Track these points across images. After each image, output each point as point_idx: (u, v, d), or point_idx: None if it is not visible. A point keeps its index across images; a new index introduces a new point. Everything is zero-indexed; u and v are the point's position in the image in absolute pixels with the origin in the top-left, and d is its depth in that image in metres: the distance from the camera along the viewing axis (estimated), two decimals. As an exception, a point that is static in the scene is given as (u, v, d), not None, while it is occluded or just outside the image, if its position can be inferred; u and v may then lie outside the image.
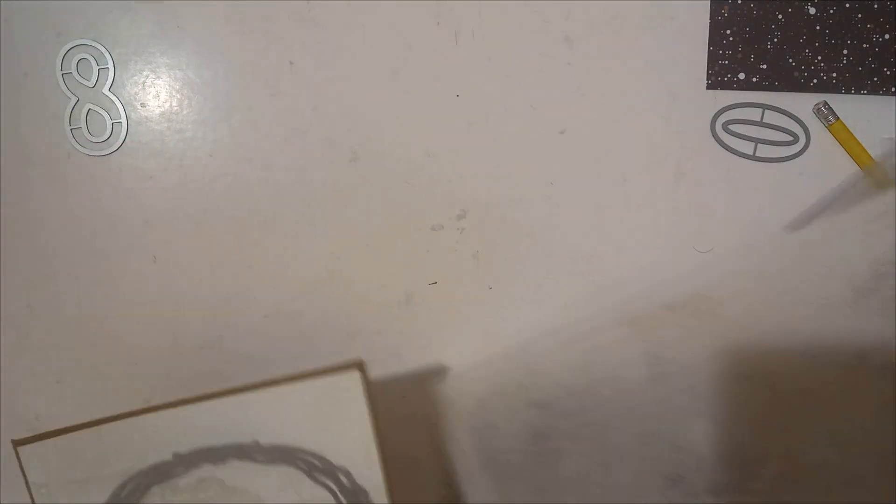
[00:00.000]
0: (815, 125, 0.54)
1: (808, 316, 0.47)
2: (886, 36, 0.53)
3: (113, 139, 0.53)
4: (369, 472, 0.40)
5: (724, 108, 0.54)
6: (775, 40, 0.53)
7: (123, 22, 0.53)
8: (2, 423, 0.53)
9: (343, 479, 0.41)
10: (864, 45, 0.53)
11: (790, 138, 0.54)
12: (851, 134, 0.53)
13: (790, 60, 0.53)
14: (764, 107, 0.54)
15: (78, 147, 0.52)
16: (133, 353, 0.55)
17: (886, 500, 0.55)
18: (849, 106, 0.53)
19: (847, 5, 0.52)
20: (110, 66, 0.53)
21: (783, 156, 0.54)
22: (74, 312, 0.55)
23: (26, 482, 0.40)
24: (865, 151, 0.53)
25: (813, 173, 0.54)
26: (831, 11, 0.52)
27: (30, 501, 0.44)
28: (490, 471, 0.51)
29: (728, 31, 0.53)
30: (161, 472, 0.40)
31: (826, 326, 0.48)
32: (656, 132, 0.54)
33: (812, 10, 0.53)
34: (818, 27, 0.53)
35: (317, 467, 0.40)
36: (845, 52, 0.53)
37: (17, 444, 0.40)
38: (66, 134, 0.52)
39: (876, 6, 0.52)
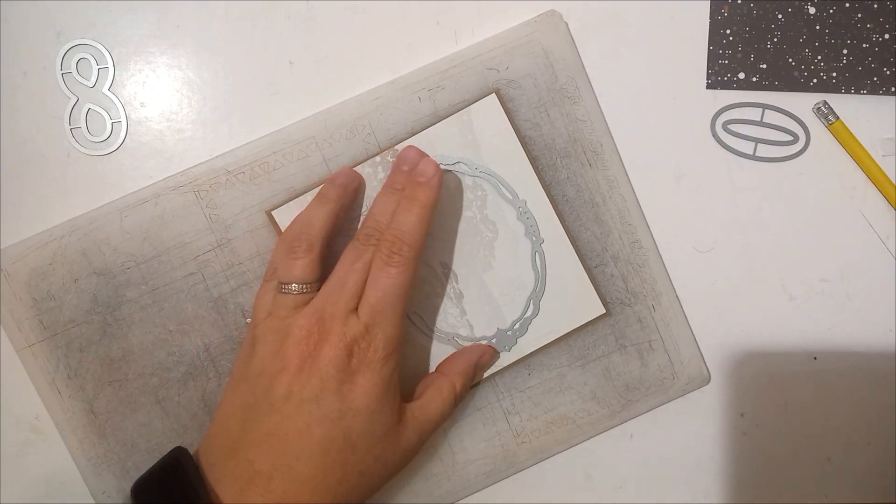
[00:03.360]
0: (815, 125, 0.54)
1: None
2: (886, 36, 0.52)
3: (113, 139, 0.53)
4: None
5: (724, 107, 0.54)
6: (775, 40, 0.53)
7: (123, 22, 0.52)
8: (2, 424, 0.53)
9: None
10: (864, 45, 0.53)
11: (790, 138, 0.54)
12: (851, 134, 0.53)
13: (790, 60, 0.53)
14: (764, 106, 0.54)
15: (78, 147, 0.52)
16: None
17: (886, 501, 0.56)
18: (849, 106, 0.53)
19: (847, 5, 0.52)
20: (110, 65, 0.53)
21: (783, 156, 0.54)
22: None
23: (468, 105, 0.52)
24: (865, 152, 0.53)
25: (813, 173, 0.54)
26: (831, 11, 0.52)
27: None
28: (54, 342, 0.52)
29: (728, 31, 0.53)
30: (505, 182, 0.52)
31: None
32: (656, 132, 0.54)
33: (812, 10, 0.53)
34: (818, 27, 0.53)
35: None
36: (845, 51, 0.53)
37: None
38: (66, 134, 0.52)
39: (876, 6, 0.52)
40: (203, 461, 0.46)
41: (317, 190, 0.51)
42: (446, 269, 0.52)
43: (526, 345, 0.53)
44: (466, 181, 0.52)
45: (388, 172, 0.51)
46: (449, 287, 0.53)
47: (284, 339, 0.46)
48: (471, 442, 0.54)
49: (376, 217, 0.48)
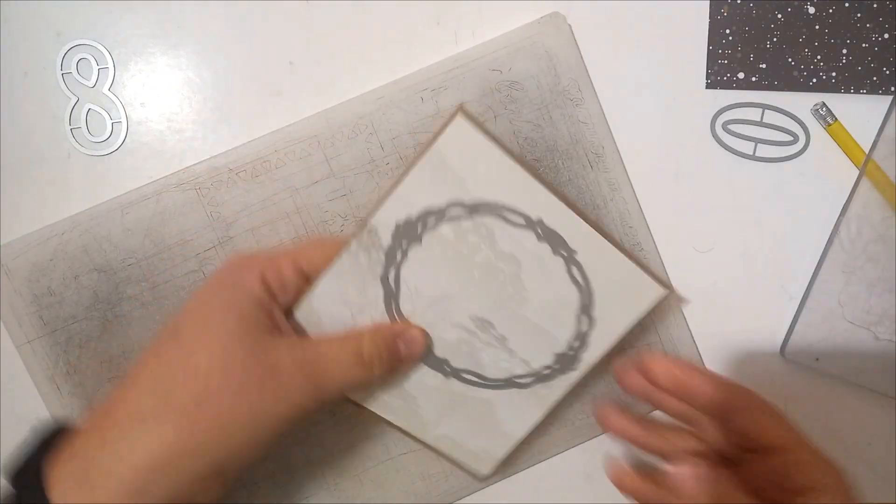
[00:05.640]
0: (814, 125, 0.54)
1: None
2: (886, 35, 0.53)
3: (113, 139, 0.53)
4: (601, 342, 0.49)
5: (723, 107, 0.54)
6: (775, 40, 0.53)
7: (123, 22, 0.53)
8: (2, 424, 0.53)
9: (587, 328, 0.49)
10: (864, 45, 0.53)
11: (790, 138, 0.54)
12: (850, 136, 0.53)
13: (789, 60, 0.53)
14: (764, 107, 0.54)
15: (78, 147, 0.52)
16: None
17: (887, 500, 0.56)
18: (848, 105, 0.54)
19: (846, 5, 0.52)
20: (110, 66, 0.53)
21: (783, 156, 0.54)
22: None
23: (432, 139, 0.44)
24: (864, 153, 0.53)
25: (813, 173, 0.54)
26: (831, 11, 0.53)
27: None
28: (53, 338, 0.52)
29: (727, 31, 0.53)
30: (507, 215, 0.46)
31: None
32: (656, 132, 0.54)
33: (811, 10, 0.53)
34: (817, 27, 0.53)
35: (588, 308, 0.49)
36: (844, 51, 0.53)
37: (461, 111, 0.43)
38: (66, 134, 0.52)
39: (875, 6, 0.52)
40: None
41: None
42: (479, 321, 0.48)
43: (590, 357, 0.49)
44: (465, 225, 0.46)
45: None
46: (488, 337, 0.49)
47: None
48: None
49: None
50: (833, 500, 0.43)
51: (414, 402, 0.50)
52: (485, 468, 0.52)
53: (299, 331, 0.47)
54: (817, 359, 0.55)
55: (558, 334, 0.49)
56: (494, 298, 0.48)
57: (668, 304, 0.54)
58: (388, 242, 0.46)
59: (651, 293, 0.48)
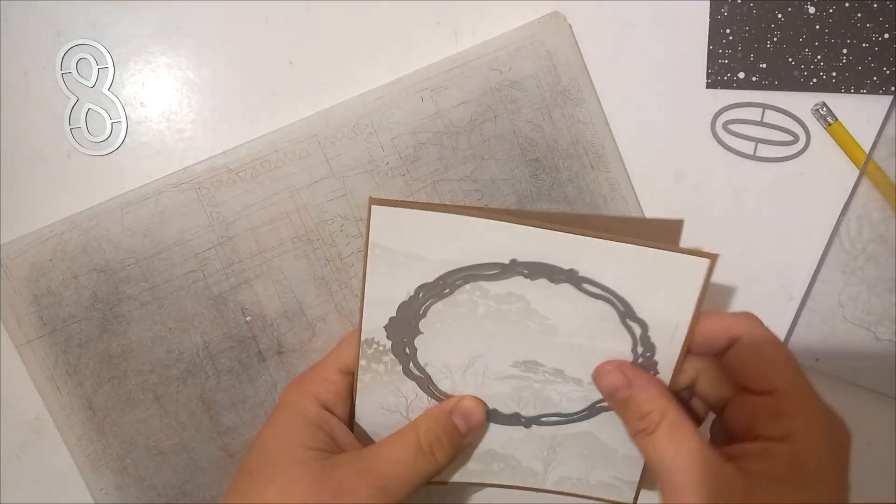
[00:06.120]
0: (815, 125, 0.54)
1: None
2: (886, 35, 0.53)
3: (113, 139, 0.53)
4: (670, 336, 0.42)
5: (724, 107, 0.54)
6: (775, 40, 0.53)
7: (123, 22, 0.53)
8: (2, 424, 0.53)
9: (641, 330, 0.42)
10: (864, 45, 0.53)
11: (790, 138, 0.54)
12: (850, 136, 0.53)
13: (790, 60, 0.53)
14: (764, 106, 0.54)
15: (78, 147, 0.52)
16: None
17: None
18: (848, 105, 0.54)
19: (847, 5, 0.52)
20: (110, 65, 0.53)
21: (783, 156, 0.54)
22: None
23: (367, 238, 0.41)
24: (864, 153, 0.53)
25: (813, 173, 0.54)
26: (831, 11, 0.53)
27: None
28: (53, 338, 0.52)
29: (728, 31, 0.53)
30: (482, 273, 0.42)
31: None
32: (656, 132, 0.54)
33: (811, 10, 0.53)
34: (818, 26, 0.53)
35: (630, 313, 0.42)
36: (845, 51, 0.53)
37: (372, 202, 0.40)
38: (65, 134, 0.52)
39: (876, 6, 0.52)
40: None
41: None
42: (523, 364, 0.45)
43: (667, 356, 0.43)
44: (447, 295, 0.43)
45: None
46: (542, 376, 0.45)
47: None
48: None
49: None
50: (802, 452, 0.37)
51: (513, 459, 0.49)
52: (628, 496, 0.49)
53: (363, 437, 0.48)
54: (817, 359, 0.55)
55: (616, 347, 0.43)
56: (522, 338, 0.44)
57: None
58: (389, 343, 0.45)
59: (693, 268, 0.41)
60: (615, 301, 0.42)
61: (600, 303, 0.42)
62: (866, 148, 0.54)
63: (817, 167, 0.54)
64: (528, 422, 0.47)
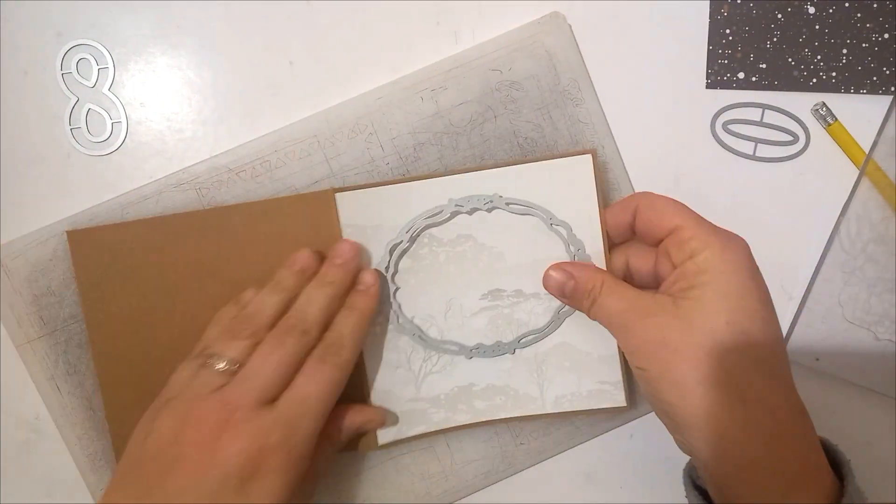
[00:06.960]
0: (814, 125, 0.54)
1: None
2: (886, 35, 0.53)
3: (113, 139, 0.53)
4: (589, 228, 0.50)
5: (724, 107, 0.54)
6: (775, 40, 0.53)
7: (123, 22, 0.53)
8: (2, 424, 0.53)
9: (566, 231, 0.50)
10: (864, 45, 0.53)
11: (790, 138, 0.54)
12: (850, 136, 0.53)
13: (790, 60, 0.53)
14: (764, 106, 0.54)
15: (78, 147, 0.52)
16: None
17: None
18: (848, 105, 0.54)
19: (846, 5, 0.52)
20: (110, 66, 0.53)
21: (783, 156, 0.54)
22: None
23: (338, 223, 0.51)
24: (864, 153, 0.53)
25: (813, 173, 0.54)
26: (831, 11, 0.53)
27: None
28: (53, 338, 0.52)
29: (727, 31, 0.53)
30: (431, 219, 0.50)
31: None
32: (656, 132, 0.54)
33: (811, 10, 0.53)
34: (817, 27, 0.53)
35: (553, 218, 0.50)
36: (845, 51, 0.53)
37: (335, 190, 0.50)
38: (66, 134, 0.52)
39: (875, 6, 0.52)
40: None
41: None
42: (488, 295, 0.51)
43: (595, 244, 0.50)
44: (412, 250, 0.51)
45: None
46: (507, 300, 0.51)
47: (185, 422, 0.41)
48: (469, 442, 0.54)
49: (303, 309, 0.46)
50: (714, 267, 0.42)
51: (510, 389, 0.52)
52: (619, 399, 0.51)
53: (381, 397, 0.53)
54: (817, 359, 0.55)
55: (553, 252, 0.50)
56: (480, 272, 0.51)
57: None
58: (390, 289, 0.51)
59: (581, 165, 0.50)
60: (538, 211, 0.50)
61: (527, 217, 0.50)
62: (866, 148, 0.54)
63: (817, 167, 0.54)
64: (511, 346, 0.51)
